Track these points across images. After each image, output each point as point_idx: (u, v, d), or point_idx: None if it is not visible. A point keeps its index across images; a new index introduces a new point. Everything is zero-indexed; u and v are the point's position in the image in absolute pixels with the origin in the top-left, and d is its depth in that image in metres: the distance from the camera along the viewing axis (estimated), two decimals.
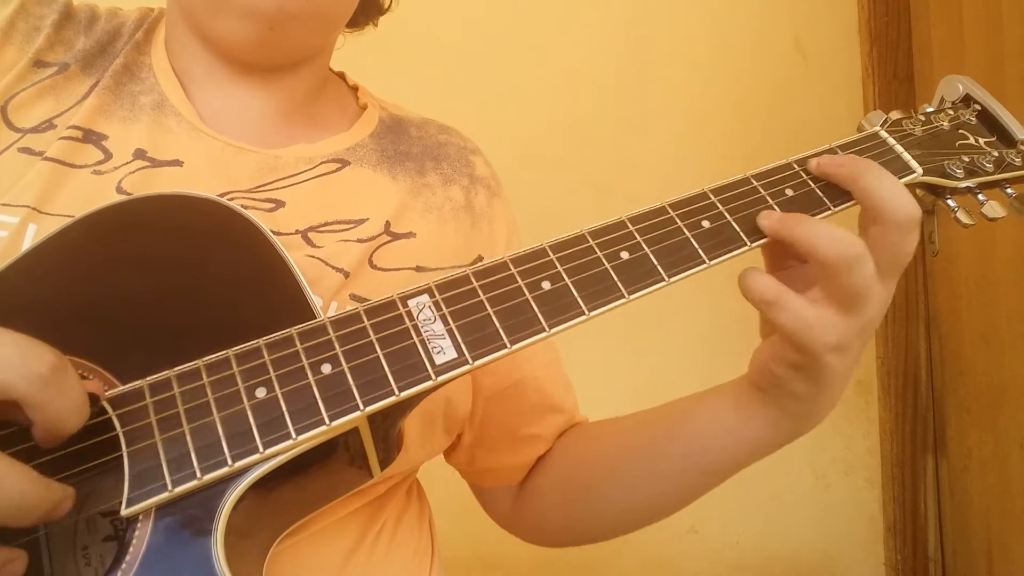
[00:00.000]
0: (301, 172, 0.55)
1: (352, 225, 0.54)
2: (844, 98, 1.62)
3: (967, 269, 1.47)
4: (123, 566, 0.34)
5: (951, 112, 0.58)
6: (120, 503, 0.34)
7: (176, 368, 0.38)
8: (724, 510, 1.58)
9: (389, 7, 0.69)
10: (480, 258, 0.60)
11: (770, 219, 0.46)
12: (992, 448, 1.39)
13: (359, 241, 0.53)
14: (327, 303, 0.50)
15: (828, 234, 0.43)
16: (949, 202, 0.55)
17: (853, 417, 1.62)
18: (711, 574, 1.57)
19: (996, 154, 0.55)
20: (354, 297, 0.51)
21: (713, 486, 0.56)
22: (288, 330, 0.40)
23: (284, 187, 0.53)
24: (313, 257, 0.51)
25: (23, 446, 0.33)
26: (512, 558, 1.49)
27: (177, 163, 0.51)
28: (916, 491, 1.58)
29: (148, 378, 0.37)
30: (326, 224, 0.53)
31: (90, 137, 0.50)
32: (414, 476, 0.62)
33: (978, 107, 0.58)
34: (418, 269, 0.55)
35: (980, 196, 0.54)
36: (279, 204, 0.52)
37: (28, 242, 0.44)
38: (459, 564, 1.43)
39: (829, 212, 0.48)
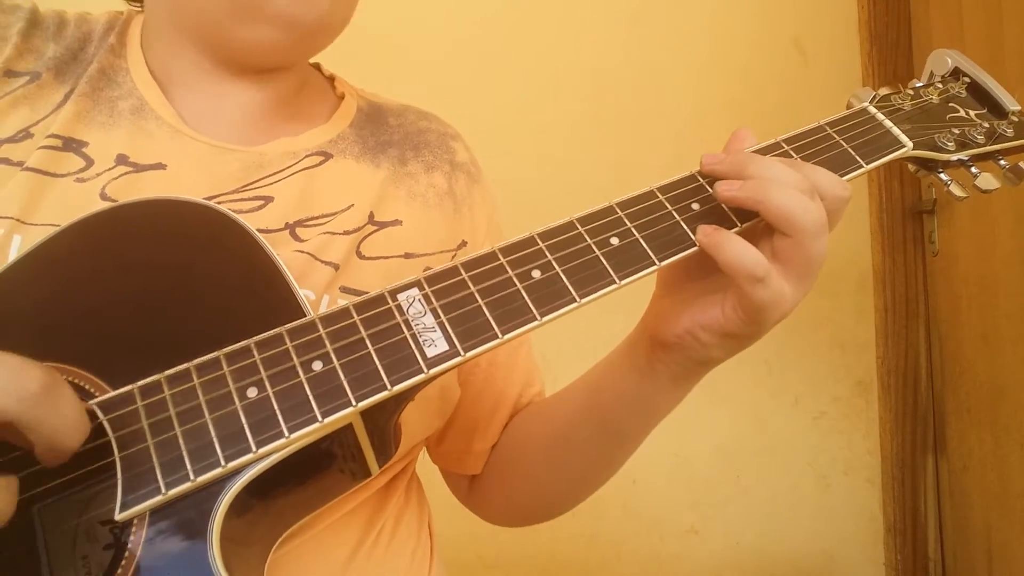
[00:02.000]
0: (286, 168, 0.54)
1: (336, 216, 0.54)
2: (844, 98, 1.62)
3: (967, 269, 1.47)
4: (119, 571, 0.34)
5: (940, 86, 0.57)
6: (114, 508, 0.34)
7: (167, 371, 0.37)
8: (724, 510, 1.58)
9: None
10: (464, 243, 0.61)
11: (730, 190, 0.44)
12: (992, 448, 1.39)
13: (345, 233, 0.53)
14: (319, 297, 0.49)
15: (803, 204, 0.42)
16: (942, 176, 0.54)
17: (853, 417, 1.62)
18: (711, 574, 1.57)
19: (987, 126, 0.55)
20: (345, 289, 0.51)
21: (632, 451, 0.57)
22: (278, 329, 0.39)
23: (271, 183, 0.53)
24: (302, 252, 0.51)
25: (29, 470, 0.33)
26: (512, 558, 1.49)
27: (160, 166, 0.51)
28: (916, 491, 1.58)
29: (139, 382, 0.37)
30: (312, 218, 0.53)
31: (70, 145, 0.50)
32: (413, 467, 0.62)
33: (967, 80, 0.58)
34: (407, 256, 0.56)
35: (973, 169, 0.53)
36: (267, 200, 0.52)
37: (13, 253, 0.44)
38: (459, 564, 1.42)
39: (738, 229, 0.46)
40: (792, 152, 0.49)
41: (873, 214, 1.63)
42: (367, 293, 0.50)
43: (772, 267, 0.42)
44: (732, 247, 0.42)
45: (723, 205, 0.46)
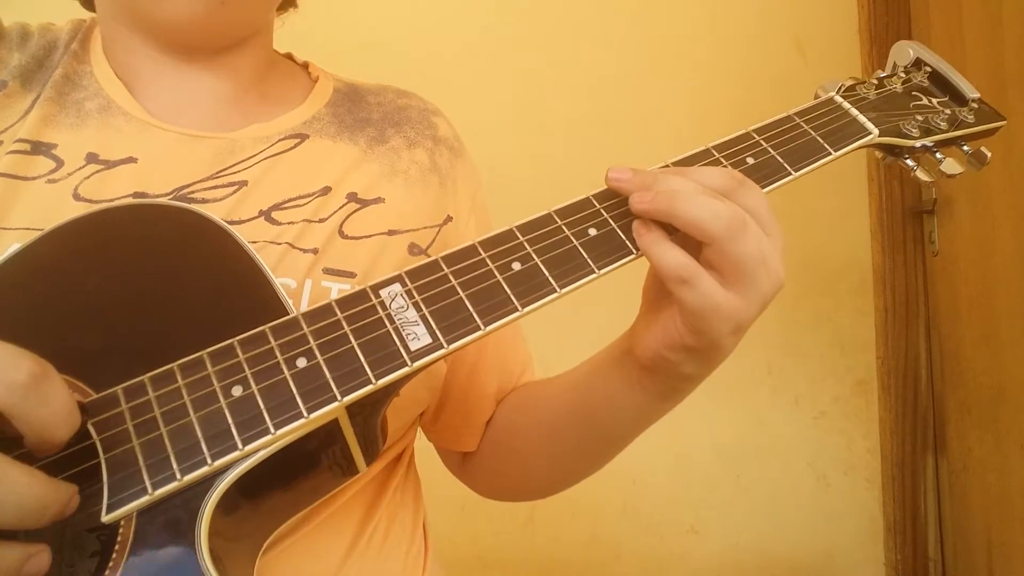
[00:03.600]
0: (260, 152, 0.54)
1: (314, 198, 0.54)
2: None
3: (967, 269, 1.47)
4: (106, 572, 0.34)
5: (903, 75, 0.60)
6: (101, 509, 0.34)
7: (151, 373, 0.38)
8: (724, 510, 1.58)
9: None
10: (449, 218, 0.61)
11: (642, 202, 0.43)
12: (992, 448, 1.39)
13: (321, 221, 0.53)
14: (301, 283, 0.50)
15: (712, 209, 0.41)
16: (908, 161, 0.56)
17: (853, 417, 1.62)
18: (711, 574, 1.57)
19: (949, 112, 0.57)
20: (328, 271, 0.51)
21: (621, 448, 0.57)
22: (261, 327, 0.39)
23: (244, 168, 0.53)
24: (278, 244, 0.51)
25: (14, 454, 0.33)
26: (511, 558, 1.49)
27: (131, 160, 0.51)
28: (916, 491, 1.58)
29: (123, 384, 0.37)
30: (288, 200, 0.53)
31: (39, 148, 0.50)
32: (408, 457, 0.62)
33: (929, 69, 0.60)
34: (390, 233, 0.55)
35: (938, 154, 0.55)
36: (241, 185, 0.52)
37: None
38: (458, 564, 1.43)
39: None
40: (763, 142, 0.50)
41: (873, 214, 1.63)
42: (351, 272, 0.50)
43: (701, 271, 0.42)
44: (657, 248, 0.42)
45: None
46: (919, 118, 0.55)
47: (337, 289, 0.50)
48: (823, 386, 1.62)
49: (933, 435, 1.59)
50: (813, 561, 1.59)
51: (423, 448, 0.66)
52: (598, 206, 0.46)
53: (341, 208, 0.54)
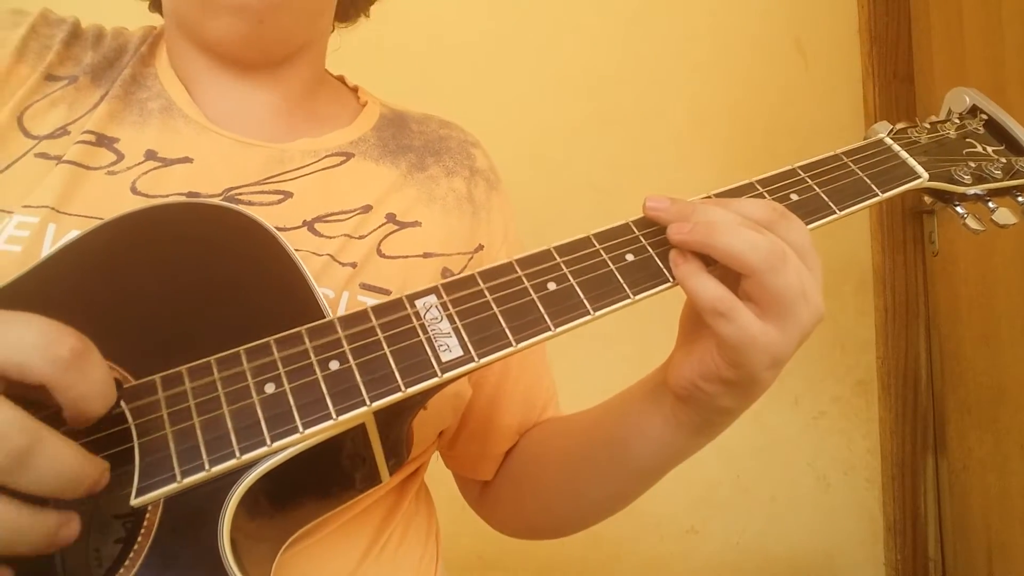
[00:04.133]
0: (307, 165, 0.57)
1: (355, 214, 0.56)
2: (844, 98, 1.63)
3: (967, 269, 1.47)
4: (131, 554, 0.35)
5: (957, 121, 0.58)
6: (130, 494, 0.35)
7: (188, 364, 0.39)
8: (724, 510, 1.58)
9: None
10: (481, 247, 0.62)
11: (680, 233, 0.43)
12: (992, 448, 1.39)
13: (361, 238, 0.55)
14: (339, 294, 0.51)
15: (750, 241, 0.41)
16: (958, 208, 0.55)
17: (853, 417, 1.62)
18: (711, 574, 1.57)
19: (1004, 161, 0.55)
20: (364, 286, 0.53)
21: (650, 485, 0.57)
22: (298, 328, 0.40)
23: (291, 179, 0.55)
24: (320, 255, 0.52)
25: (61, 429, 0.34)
26: (512, 558, 1.49)
27: (187, 160, 0.54)
28: (916, 491, 1.58)
29: (161, 373, 0.38)
30: (331, 214, 0.55)
31: (103, 141, 0.53)
32: (424, 472, 0.63)
33: (985, 117, 0.58)
34: (426, 255, 0.57)
35: (990, 203, 0.54)
36: (287, 195, 0.54)
37: (48, 241, 0.47)
38: (459, 564, 1.43)
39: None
40: (808, 179, 0.50)
41: (873, 214, 1.63)
42: (386, 289, 0.52)
43: (738, 304, 0.41)
44: (693, 280, 0.42)
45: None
46: (972, 165, 0.54)
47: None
48: (823, 386, 1.62)
49: (933, 435, 1.59)
50: (813, 561, 1.59)
51: None
52: (637, 232, 0.46)
53: (380, 227, 0.56)
